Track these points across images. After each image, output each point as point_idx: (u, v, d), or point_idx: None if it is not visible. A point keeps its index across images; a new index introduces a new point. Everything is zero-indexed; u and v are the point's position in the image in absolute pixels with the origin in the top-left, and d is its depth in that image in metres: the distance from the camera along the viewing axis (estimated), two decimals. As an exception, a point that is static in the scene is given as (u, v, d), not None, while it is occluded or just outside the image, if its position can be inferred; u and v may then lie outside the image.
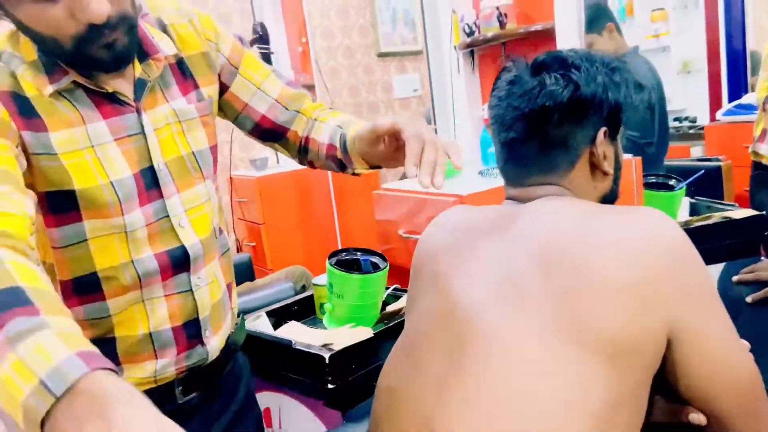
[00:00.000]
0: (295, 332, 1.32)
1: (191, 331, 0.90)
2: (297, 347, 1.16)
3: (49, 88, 0.76)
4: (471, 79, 1.89)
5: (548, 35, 1.62)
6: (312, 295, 1.47)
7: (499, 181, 1.65)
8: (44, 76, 0.77)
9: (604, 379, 0.63)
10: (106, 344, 0.84)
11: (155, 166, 0.84)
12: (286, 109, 1.02)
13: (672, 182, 1.62)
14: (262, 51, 3.01)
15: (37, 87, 0.76)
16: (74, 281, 0.81)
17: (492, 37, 1.74)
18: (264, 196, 2.61)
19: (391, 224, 1.70)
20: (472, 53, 1.86)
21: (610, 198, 0.86)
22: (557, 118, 0.78)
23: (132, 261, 0.83)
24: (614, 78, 0.81)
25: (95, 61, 0.76)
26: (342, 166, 1.02)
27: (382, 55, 3.81)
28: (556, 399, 0.63)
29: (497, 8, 1.70)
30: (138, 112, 0.83)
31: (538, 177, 0.81)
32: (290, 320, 1.42)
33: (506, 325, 0.68)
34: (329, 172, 2.58)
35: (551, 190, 0.80)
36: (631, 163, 1.56)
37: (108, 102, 0.81)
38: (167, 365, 0.88)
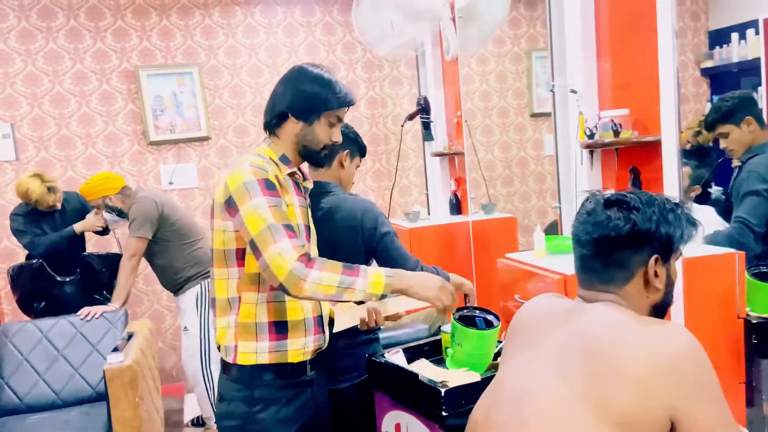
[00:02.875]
0: (422, 368, 1.71)
1: (320, 322, 1.58)
2: (421, 380, 1.55)
3: (286, 171, 1.55)
4: (590, 171, 2.16)
5: (656, 145, 1.86)
6: (441, 339, 1.85)
7: None
8: (285, 167, 1.57)
9: None
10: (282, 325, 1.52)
11: (308, 224, 1.62)
12: None
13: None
14: (424, 120, 3.49)
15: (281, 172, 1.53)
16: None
17: (608, 142, 2.02)
18: (414, 245, 3.04)
19: (509, 288, 2.03)
20: (591, 152, 2.14)
21: (662, 305, 1.14)
22: (619, 245, 1.09)
23: None
24: (668, 217, 1.09)
25: (314, 161, 1.65)
26: None
27: (534, 115, 4.12)
28: None
29: (612, 120, 1.97)
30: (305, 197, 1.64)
31: (600, 286, 1.13)
32: (421, 357, 1.81)
33: (554, 390, 1.01)
34: (470, 229, 2.96)
35: (609, 297, 1.11)
36: (735, 257, 1.74)
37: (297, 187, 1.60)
38: (309, 342, 1.54)
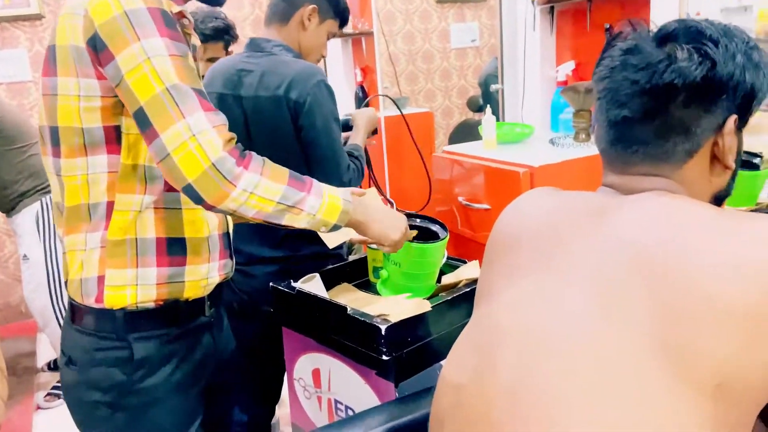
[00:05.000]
0: (349, 297, 1.30)
1: (226, 241, 1.12)
2: (353, 315, 1.14)
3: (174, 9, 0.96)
4: (547, 37, 1.76)
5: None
6: (365, 258, 1.44)
7: (573, 152, 1.56)
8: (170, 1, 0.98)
9: (703, 415, 0.57)
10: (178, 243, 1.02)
11: None
12: None
13: (756, 160, 1.51)
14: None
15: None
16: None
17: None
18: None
19: (450, 189, 1.64)
20: (551, 9, 1.73)
21: (723, 195, 0.78)
22: (684, 98, 0.69)
23: None
24: (753, 58, 0.71)
25: None
26: None
27: (441, 0, 3.65)
28: None
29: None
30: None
31: (646, 166, 0.73)
32: (342, 282, 1.40)
33: (593, 341, 0.63)
34: (382, 127, 2.52)
35: (660, 183, 0.72)
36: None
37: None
38: (213, 270, 1.08)
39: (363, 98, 2.81)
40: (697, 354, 0.58)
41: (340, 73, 3.04)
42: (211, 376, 1.15)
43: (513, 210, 0.85)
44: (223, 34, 2.26)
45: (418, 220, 1.31)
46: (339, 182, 1.41)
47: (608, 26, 1.58)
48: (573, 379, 0.62)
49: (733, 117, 0.71)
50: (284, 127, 1.40)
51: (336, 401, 1.28)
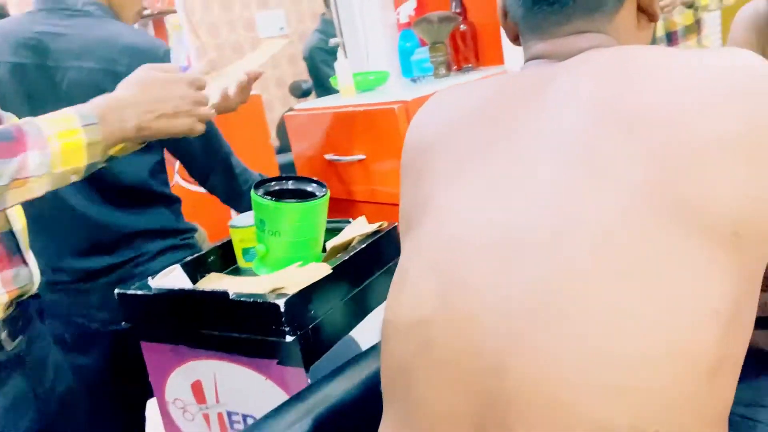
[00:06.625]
0: (225, 284, 1.07)
1: (10, 244, 0.83)
2: (238, 299, 0.92)
3: None
4: None
5: None
6: (229, 242, 1.21)
7: (443, 84, 1.44)
8: None
9: (724, 269, 0.48)
10: None
11: None
12: None
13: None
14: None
15: None
16: None
17: None
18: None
19: (312, 149, 1.46)
20: None
21: None
22: None
23: None
24: None
25: None
26: None
27: (240, -12, 3.43)
28: (668, 306, 0.48)
29: None
30: None
31: (578, 21, 0.62)
32: (208, 272, 1.16)
33: (590, 215, 0.51)
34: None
35: (597, 40, 0.62)
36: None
37: None
38: None
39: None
40: (705, 199, 0.49)
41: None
42: (35, 426, 0.85)
43: (427, 112, 0.71)
44: None
45: (290, 183, 1.12)
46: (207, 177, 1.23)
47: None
48: (580, 266, 0.50)
49: None
50: None
51: (229, 413, 1.04)
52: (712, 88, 0.51)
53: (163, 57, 1.15)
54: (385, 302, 0.67)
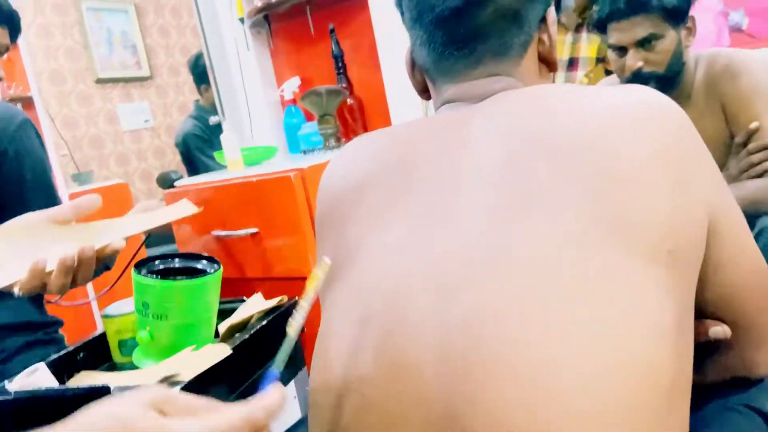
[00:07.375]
0: (104, 380, 0.93)
1: None
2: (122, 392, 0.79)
3: None
4: (263, 55, 1.65)
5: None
6: (103, 335, 1.07)
7: (333, 155, 1.41)
8: None
9: (667, 287, 0.49)
10: None
11: None
12: None
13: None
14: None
15: None
16: None
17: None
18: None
19: (199, 226, 1.35)
20: (267, 20, 1.62)
21: None
22: None
23: None
24: None
25: None
26: None
27: (100, 81, 3.29)
28: (623, 322, 0.47)
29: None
30: None
31: (490, 65, 0.63)
32: (77, 372, 1.00)
33: (524, 243, 0.49)
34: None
35: (508, 83, 0.63)
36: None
37: None
38: None
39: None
40: (639, 218, 0.50)
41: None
42: None
43: (346, 160, 0.67)
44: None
45: (177, 261, 1.03)
46: None
47: (333, 27, 1.55)
48: (519, 292, 0.48)
49: (551, 8, 0.68)
50: None
51: None
52: (621, 115, 0.54)
53: (21, 124, 1.04)
54: (295, 381, 0.60)
